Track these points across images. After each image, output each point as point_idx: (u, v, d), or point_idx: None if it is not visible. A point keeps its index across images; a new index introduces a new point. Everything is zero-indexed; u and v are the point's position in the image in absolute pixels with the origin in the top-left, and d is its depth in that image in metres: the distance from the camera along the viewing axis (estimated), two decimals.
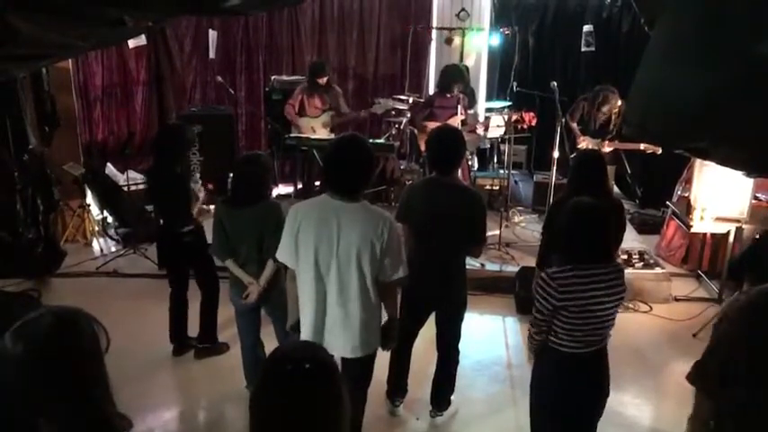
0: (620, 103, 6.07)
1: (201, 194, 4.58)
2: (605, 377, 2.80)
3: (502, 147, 7.72)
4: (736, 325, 1.86)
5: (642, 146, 5.91)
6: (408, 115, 7.17)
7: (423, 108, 6.60)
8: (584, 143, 6.25)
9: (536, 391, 2.87)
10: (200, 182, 6.41)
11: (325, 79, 6.58)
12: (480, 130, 6.74)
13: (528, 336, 2.84)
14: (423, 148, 6.53)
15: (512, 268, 5.66)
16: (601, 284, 2.62)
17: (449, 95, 6.26)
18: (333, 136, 6.47)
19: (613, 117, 6.22)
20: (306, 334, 2.93)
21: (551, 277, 2.61)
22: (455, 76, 6.20)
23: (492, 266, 5.74)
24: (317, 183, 6.95)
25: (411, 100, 7.36)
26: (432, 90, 7.96)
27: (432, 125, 6.27)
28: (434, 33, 8.35)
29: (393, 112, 7.44)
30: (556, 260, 2.85)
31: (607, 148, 6.14)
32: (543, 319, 2.69)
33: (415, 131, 6.80)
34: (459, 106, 6.24)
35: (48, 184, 5.84)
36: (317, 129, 6.69)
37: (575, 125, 6.43)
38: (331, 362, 1.54)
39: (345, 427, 1.51)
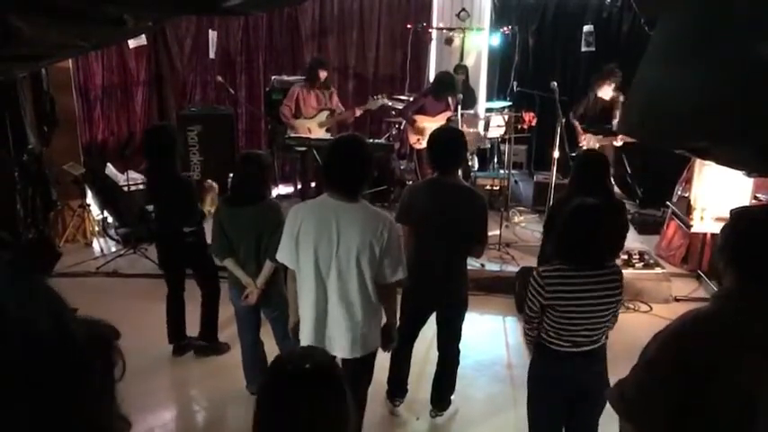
0: (621, 98, 6.07)
1: (215, 187, 4.57)
2: (598, 376, 2.78)
3: (502, 147, 7.72)
4: (661, 351, 1.79)
5: None
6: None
7: (414, 102, 6.72)
8: (586, 141, 6.25)
9: (530, 385, 2.93)
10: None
11: (325, 74, 6.61)
12: (465, 128, 6.80)
13: (523, 331, 2.93)
14: (411, 141, 6.70)
15: (512, 268, 5.66)
16: (591, 287, 2.63)
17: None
18: (329, 136, 6.50)
19: (616, 111, 6.23)
20: (306, 334, 2.93)
21: (541, 275, 2.68)
22: (447, 88, 6.36)
23: (492, 267, 5.74)
24: (314, 184, 6.96)
25: (412, 100, 7.36)
26: None
27: (420, 118, 6.47)
28: (434, 33, 8.35)
29: (393, 113, 7.43)
30: (549, 257, 2.87)
31: (618, 142, 6.13)
32: (533, 315, 2.76)
33: (405, 124, 6.90)
34: (451, 102, 6.44)
35: (45, 184, 5.82)
36: (312, 129, 6.68)
37: (576, 122, 6.43)
38: (328, 366, 1.53)
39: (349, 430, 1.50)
